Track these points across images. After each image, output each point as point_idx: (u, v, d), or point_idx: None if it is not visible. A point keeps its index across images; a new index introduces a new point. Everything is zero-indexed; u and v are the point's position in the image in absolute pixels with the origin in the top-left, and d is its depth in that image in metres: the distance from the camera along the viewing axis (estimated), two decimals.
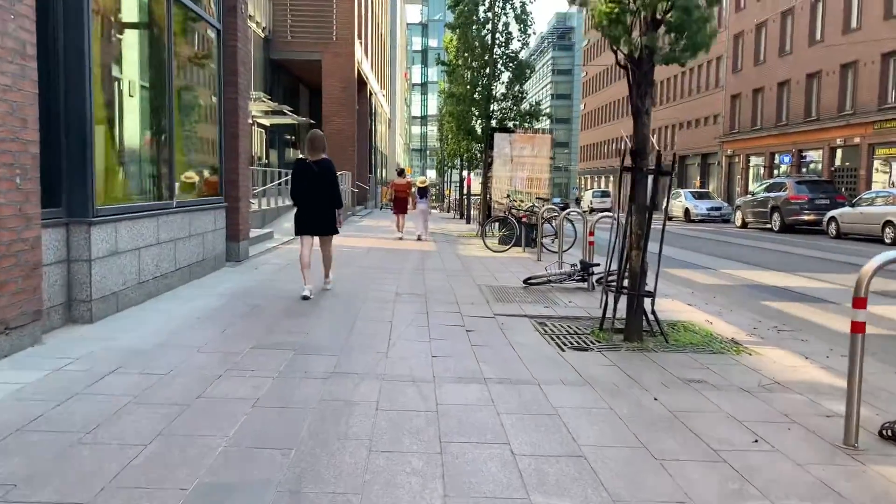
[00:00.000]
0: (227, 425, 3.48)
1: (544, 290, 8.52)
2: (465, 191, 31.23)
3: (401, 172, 18.90)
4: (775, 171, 38.58)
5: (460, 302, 7.42)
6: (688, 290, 9.23)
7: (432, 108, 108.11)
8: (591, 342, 5.83)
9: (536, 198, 15.16)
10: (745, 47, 41.66)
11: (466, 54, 18.76)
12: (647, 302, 6.00)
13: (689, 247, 17.12)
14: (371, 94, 34.69)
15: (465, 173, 46.44)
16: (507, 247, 13.73)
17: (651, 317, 5.99)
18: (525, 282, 8.77)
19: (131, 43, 7.15)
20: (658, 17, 5.77)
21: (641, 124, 6.03)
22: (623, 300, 6.02)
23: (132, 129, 7.04)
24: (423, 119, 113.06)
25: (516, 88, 18.91)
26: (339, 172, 20.04)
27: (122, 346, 5.02)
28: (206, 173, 9.13)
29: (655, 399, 4.14)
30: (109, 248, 6.05)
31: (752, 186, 40.90)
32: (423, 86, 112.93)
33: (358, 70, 28.10)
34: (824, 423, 3.80)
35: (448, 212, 41.82)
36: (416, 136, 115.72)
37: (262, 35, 25.72)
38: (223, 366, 4.58)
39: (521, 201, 14.90)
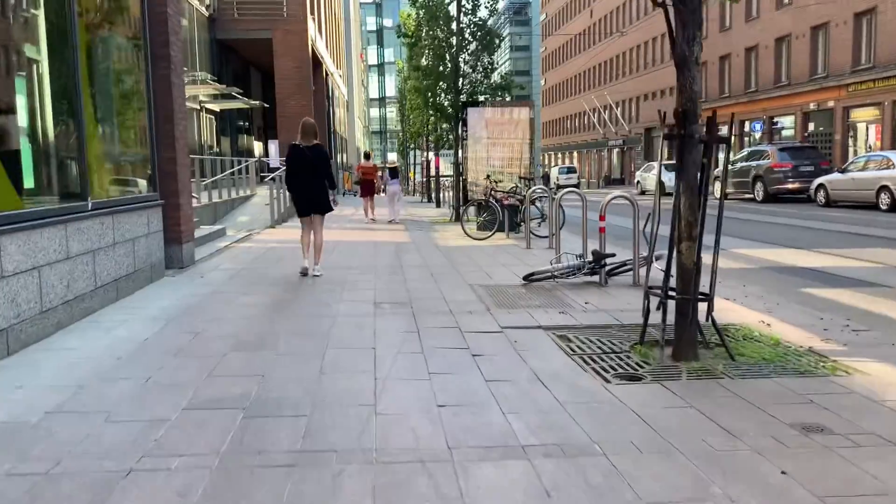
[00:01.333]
0: None
1: (549, 287, 7.17)
2: (432, 173, 29.77)
3: (367, 156, 18.45)
4: (746, 139, 37.83)
5: (455, 311, 6.01)
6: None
7: (390, 90, 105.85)
8: (637, 365, 4.49)
9: (519, 178, 13.79)
10: (710, 14, 40.63)
11: (430, 24, 17.22)
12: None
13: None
14: (327, 74, 32.88)
15: (431, 154, 44.98)
16: (490, 233, 12.36)
17: (704, 325, 4.68)
18: (526, 279, 7.41)
19: (15, 4, 5.53)
20: None
21: (690, 77, 4.69)
22: (653, 303, 4.68)
23: (21, 115, 5.44)
24: (382, 101, 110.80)
25: (485, 59, 17.48)
26: None
27: None
28: (134, 166, 7.54)
29: (783, 473, 2.80)
30: None
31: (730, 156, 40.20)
32: (380, 67, 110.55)
33: (312, 49, 26.32)
34: None
35: (413, 195, 40.31)
36: (375, 119, 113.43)
37: (207, 13, 23.80)
38: (137, 449, 3.11)
39: (499, 181, 13.52)
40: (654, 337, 5.03)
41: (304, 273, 8.13)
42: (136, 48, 7.64)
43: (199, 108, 22.36)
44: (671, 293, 4.75)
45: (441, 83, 16.98)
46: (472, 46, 17.20)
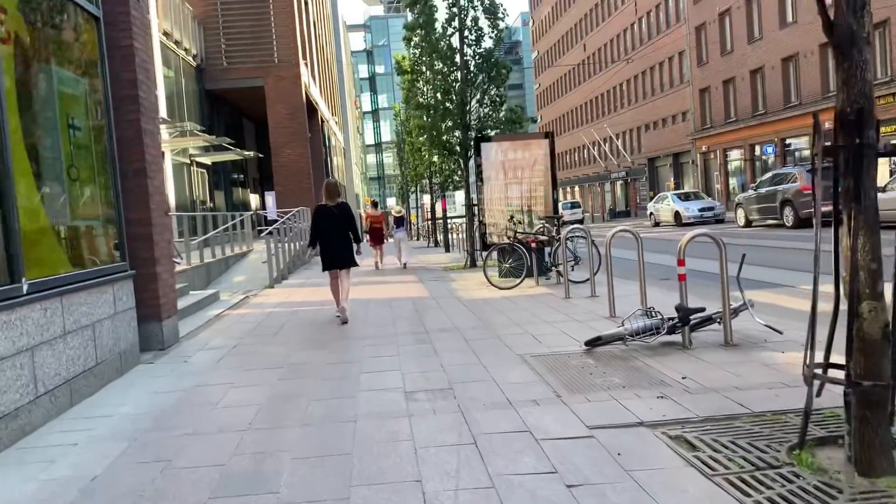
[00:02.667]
0: None
1: (620, 353, 5.67)
2: (435, 215, 28.42)
3: (374, 204, 19.11)
4: (757, 164, 36.65)
5: (515, 401, 4.51)
6: (799, 323, 6.45)
7: (385, 135, 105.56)
8: (820, 491, 2.97)
9: (538, 217, 12.35)
10: (710, 39, 39.88)
11: (434, 55, 16.01)
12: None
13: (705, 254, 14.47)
14: (323, 121, 31.80)
15: (426, 197, 43.70)
16: (517, 280, 10.89)
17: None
18: (589, 344, 5.90)
19: None
20: None
21: (860, 63, 3.30)
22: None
23: None
24: (378, 146, 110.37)
25: (493, 92, 16.24)
26: (296, 209, 17.19)
27: None
28: (93, 231, 6.10)
29: None
30: None
31: (732, 181, 38.95)
32: (375, 113, 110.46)
33: (306, 94, 25.23)
34: None
35: (418, 239, 38.98)
36: (372, 166, 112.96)
37: (194, 63, 22.72)
38: None
39: (521, 221, 12.08)
40: (814, 434, 3.54)
41: (340, 318, 8.52)
42: (92, 89, 6.27)
43: (189, 161, 21.10)
44: (834, 373, 3.26)
45: (447, 120, 15.70)
46: (479, 79, 15.97)
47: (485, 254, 15.04)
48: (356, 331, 7.78)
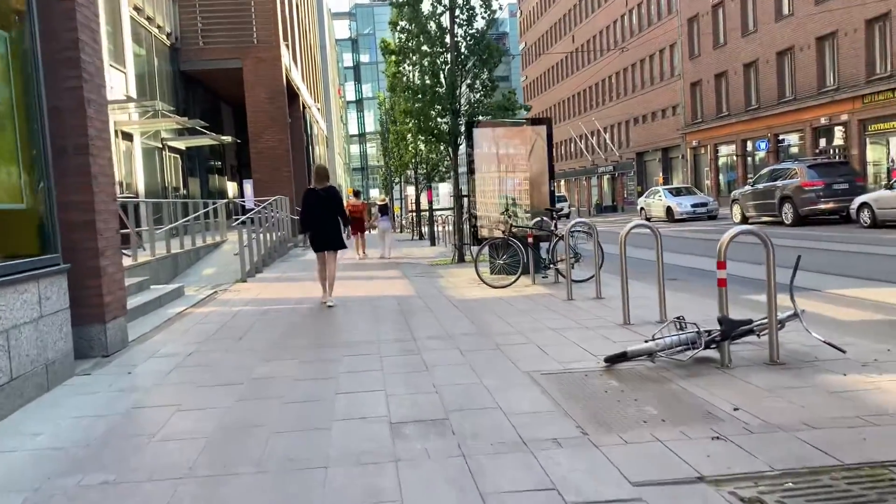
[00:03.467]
0: None
1: (649, 373, 4.74)
2: (420, 207, 27.42)
3: (357, 194, 18.44)
4: (748, 159, 36.01)
5: (530, 440, 3.55)
6: (850, 337, 5.55)
7: (369, 126, 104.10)
8: None
9: (533, 211, 11.40)
10: (702, 31, 39.11)
11: (422, 36, 14.97)
12: None
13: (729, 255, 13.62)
14: (304, 107, 30.64)
15: (410, 188, 42.55)
16: (513, 278, 9.94)
17: None
18: (610, 361, 4.96)
19: None
20: None
21: None
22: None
23: None
24: (362, 137, 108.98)
25: (485, 76, 15.23)
26: (273, 197, 16.14)
27: None
28: (8, 216, 5.05)
29: None
30: None
31: (722, 176, 38.30)
32: (359, 103, 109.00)
33: (287, 78, 24.08)
34: None
35: (401, 232, 37.94)
36: (356, 156, 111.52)
37: (168, 42, 21.50)
38: None
39: (513, 214, 11.09)
40: None
41: (323, 304, 8.88)
42: (15, 47, 5.20)
43: (160, 146, 19.93)
44: None
45: (436, 105, 14.68)
46: (470, 62, 14.96)
47: (475, 248, 14.15)
48: (333, 336, 6.79)
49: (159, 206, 16.10)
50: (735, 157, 36.81)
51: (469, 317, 7.53)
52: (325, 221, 9.03)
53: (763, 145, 33.39)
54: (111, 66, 16.25)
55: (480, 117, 14.88)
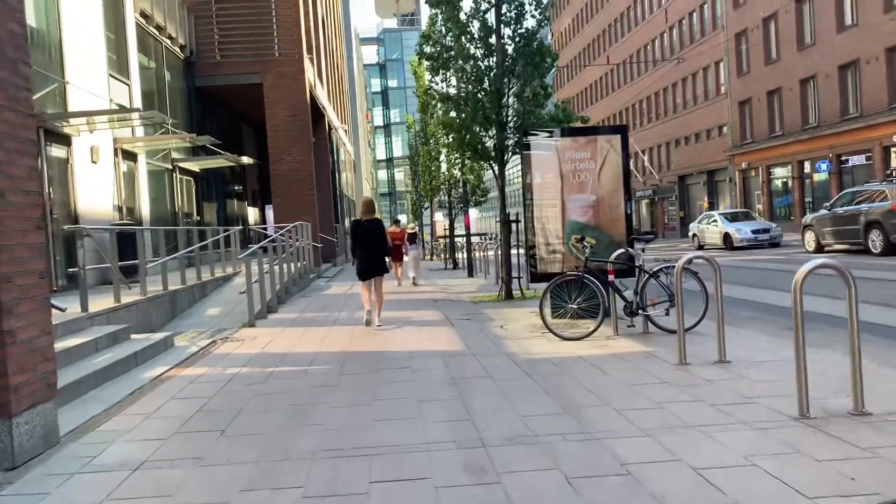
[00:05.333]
0: None
1: None
2: (454, 233, 25.25)
3: (396, 221, 18.46)
4: (806, 182, 33.39)
5: None
6: None
7: (397, 151, 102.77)
8: None
9: (603, 236, 9.13)
10: (752, 46, 36.75)
11: (463, 38, 12.90)
12: None
13: (820, 290, 11.20)
14: (330, 128, 28.80)
15: (438, 214, 40.44)
16: (590, 327, 7.68)
17: None
18: None
19: None
20: None
21: None
22: None
23: None
24: (390, 161, 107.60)
25: (536, 83, 13.08)
26: (295, 223, 14.33)
27: None
28: None
29: None
30: None
31: (768, 199, 35.67)
32: (386, 128, 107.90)
33: (311, 95, 22.22)
34: None
35: (431, 259, 35.74)
36: (384, 182, 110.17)
37: (182, 56, 19.77)
38: None
39: (589, 244, 8.72)
40: None
41: (368, 323, 9.56)
42: None
43: (171, 167, 18.05)
44: None
45: (479, 115, 12.57)
46: (518, 66, 12.84)
47: (534, 286, 11.97)
48: (358, 434, 4.55)
49: (161, 235, 14.13)
50: (791, 180, 34.19)
51: (550, 393, 5.27)
52: (371, 251, 9.78)
53: (824, 166, 30.77)
54: (112, 75, 14.42)
55: (532, 132, 12.73)
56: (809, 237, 20.84)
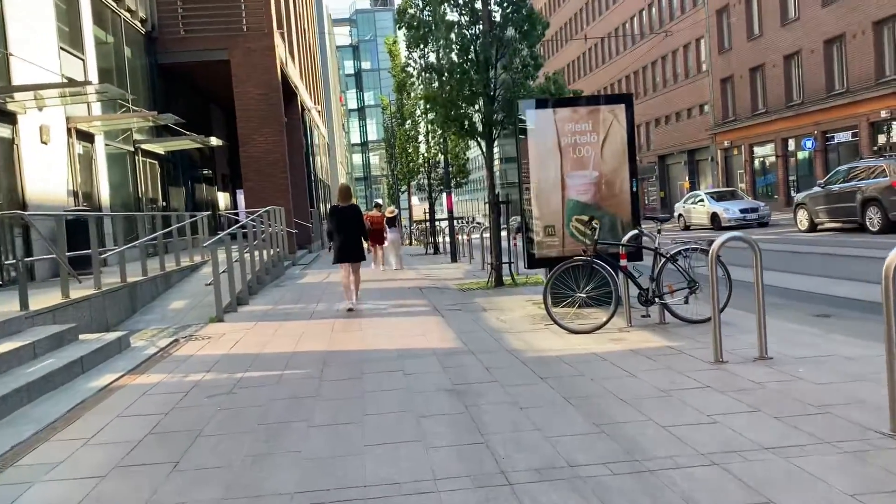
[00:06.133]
0: None
1: None
2: (434, 216, 24.31)
3: (377, 205, 18.15)
4: (790, 160, 32.91)
5: None
6: None
7: (372, 134, 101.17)
8: None
9: (605, 216, 8.27)
10: (734, 22, 36.06)
11: (446, 5, 11.91)
12: None
13: (835, 272, 10.50)
14: (303, 109, 27.60)
15: (415, 198, 39.40)
16: (603, 318, 6.84)
17: None
18: None
19: None
20: None
21: None
22: None
23: None
24: (364, 146, 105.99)
25: (525, 53, 12.15)
26: (268, 207, 13.32)
27: None
28: None
29: None
30: None
31: (756, 177, 35.24)
32: (361, 111, 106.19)
33: (282, 73, 21.04)
34: None
35: (410, 244, 34.79)
36: (358, 166, 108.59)
37: (143, 31, 18.50)
38: None
39: (595, 226, 7.82)
40: None
41: (350, 310, 9.51)
42: None
43: (132, 149, 16.87)
44: None
45: (465, 88, 11.62)
46: (507, 35, 11.89)
47: (528, 272, 11.14)
48: (342, 463, 3.64)
49: (121, 222, 13.03)
50: (775, 158, 33.67)
51: (574, 403, 4.40)
52: (348, 237, 9.91)
53: (809, 143, 30.23)
54: (63, 48, 13.22)
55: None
56: (802, 216, 20.22)
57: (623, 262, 7.12)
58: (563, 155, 8.74)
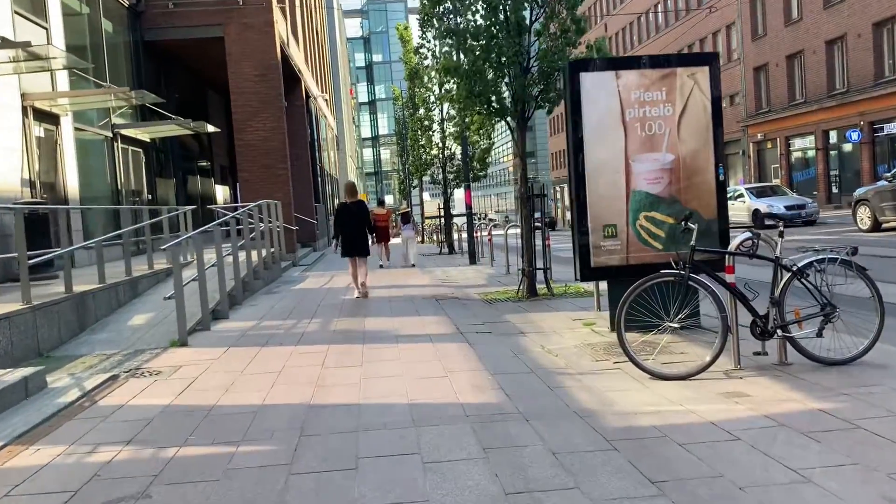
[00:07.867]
0: None
1: None
2: (451, 213, 22.24)
3: (381, 202, 18.46)
4: (831, 153, 30.62)
5: None
6: None
7: (383, 128, 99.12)
8: None
9: (677, 213, 6.19)
10: (769, 7, 33.74)
11: None
12: None
13: None
14: (307, 95, 25.59)
15: (426, 194, 37.22)
16: (708, 357, 4.79)
17: None
18: None
19: None
20: None
21: None
22: None
23: None
24: (375, 140, 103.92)
25: (564, 15, 10.01)
26: (259, 201, 11.15)
27: None
28: None
29: None
30: None
31: (794, 170, 32.95)
32: (371, 104, 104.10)
33: (282, 52, 19.04)
34: None
35: (423, 242, 32.69)
36: (369, 162, 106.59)
37: (126, 3, 16.52)
38: None
39: (686, 225, 5.63)
40: None
41: (358, 297, 10.38)
42: None
43: (111, 134, 14.91)
44: None
45: (494, 57, 9.58)
46: None
47: (577, 282, 9.11)
48: None
49: (96, 217, 11.06)
50: (814, 151, 31.36)
51: None
52: (355, 232, 10.51)
53: (855, 135, 27.92)
54: (19, 13, 11.25)
55: (557, 77, 9.77)
56: (863, 213, 17.99)
57: (731, 279, 5.05)
58: (629, 132, 6.67)
